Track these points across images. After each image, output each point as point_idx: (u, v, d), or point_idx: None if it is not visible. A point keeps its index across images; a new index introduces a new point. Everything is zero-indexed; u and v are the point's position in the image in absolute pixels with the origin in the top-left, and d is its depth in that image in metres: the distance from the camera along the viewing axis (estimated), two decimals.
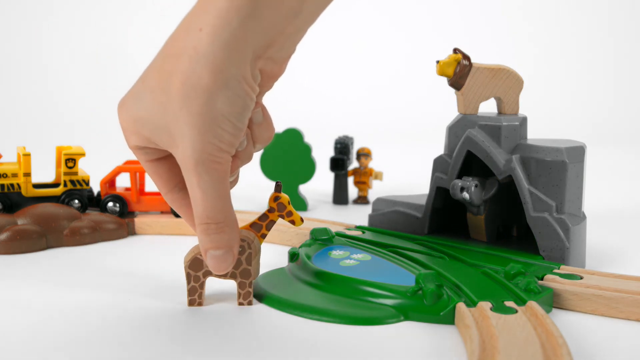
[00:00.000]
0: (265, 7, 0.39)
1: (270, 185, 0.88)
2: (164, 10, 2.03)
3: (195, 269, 0.49)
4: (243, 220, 0.71)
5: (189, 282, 0.49)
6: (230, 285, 0.53)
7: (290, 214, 0.50)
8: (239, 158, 0.46)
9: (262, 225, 0.50)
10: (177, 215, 0.73)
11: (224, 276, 0.49)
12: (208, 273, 0.49)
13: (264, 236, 0.50)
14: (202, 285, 0.50)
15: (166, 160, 0.46)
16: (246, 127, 0.43)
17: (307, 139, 0.85)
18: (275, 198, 0.50)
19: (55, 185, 0.73)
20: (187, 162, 0.41)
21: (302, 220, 0.51)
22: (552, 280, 0.52)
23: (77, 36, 1.97)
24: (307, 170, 0.84)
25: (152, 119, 0.41)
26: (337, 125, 1.58)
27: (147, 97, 0.41)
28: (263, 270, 0.56)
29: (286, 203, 0.50)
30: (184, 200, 0.47)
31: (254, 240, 0.50)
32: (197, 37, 0.39)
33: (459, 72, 0.62)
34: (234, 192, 0.97)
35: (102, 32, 1.98)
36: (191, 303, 0.50)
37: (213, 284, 0.53)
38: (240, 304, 0.50)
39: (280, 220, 0.72)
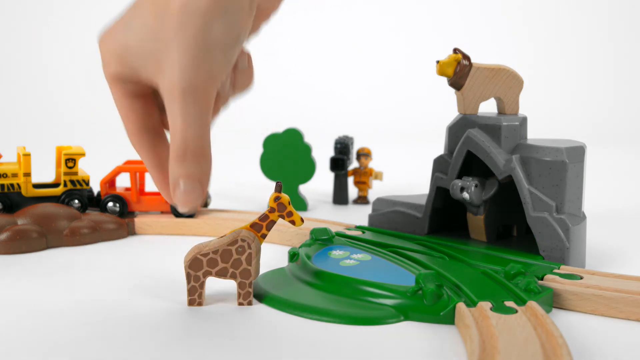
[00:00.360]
0: None
1: (270, 185, 0.88)
2: None
3: (196, 268, 0.49)
4: (243, 221, 0.71)
5: (189, 282, 0.49)
6: (230, 285, 0.53)
7: (290, 214, 0.50)
8: (219, 99, 0.44)
9: (262, 225, 0.50)
10: (177, 215, 0.73)
11: (224, 276, 0.49)
12: (208, 273, 0.49)
13: (264, 236, 0.50)
14: (202, 285, 0.50)
15: (142, 99, 0.44)
16: (233, 64, 0.42)
17: (307, 139, 0.85)
18: (275, 198, 0.50)
19: (55, 185, 0.73)
20: (173, 90, 0.39)
21: (302, 220, 0.51)
22: (552, 280, 0.52)
23: (77, 36, 1.97)
24: (307, 170, 0.84)
25: (140, 46, 0.40)
26: (337, 125, 1.58)
27: (137, 24, 0.40)
28: (263, 270, 0.56)
29: (287, 203, 0.50)
30: (152, 144, 0.45)
31: (254, 240, 0.50)
32: None
33: (459, 72, 0.62)
34: (234, 192, 0.97)
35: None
36: (191, 303, 0.50)
37: (213, 284, 0.53)
38: (240, 304, 0.50)
39: (280, 220, 0.72)
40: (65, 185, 0.72)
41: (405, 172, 1.14)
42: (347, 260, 0.57)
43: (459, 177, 0.63)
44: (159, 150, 0.44)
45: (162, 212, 0.75)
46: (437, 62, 0.62)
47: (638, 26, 2.05)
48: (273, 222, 0.50)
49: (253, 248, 0.49)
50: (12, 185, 0.70)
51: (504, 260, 0.57)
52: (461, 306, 0.46)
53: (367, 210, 0.85)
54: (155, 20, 0.39)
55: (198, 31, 0.39)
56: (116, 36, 0.41)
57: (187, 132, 0.40)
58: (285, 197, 0.50)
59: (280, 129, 0.85)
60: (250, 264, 0.49)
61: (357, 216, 0.82)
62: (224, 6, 0.39)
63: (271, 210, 0.50)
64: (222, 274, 0.49)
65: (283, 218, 0.50)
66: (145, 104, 0.44)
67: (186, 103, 0.39)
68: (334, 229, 0.68)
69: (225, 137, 1.65)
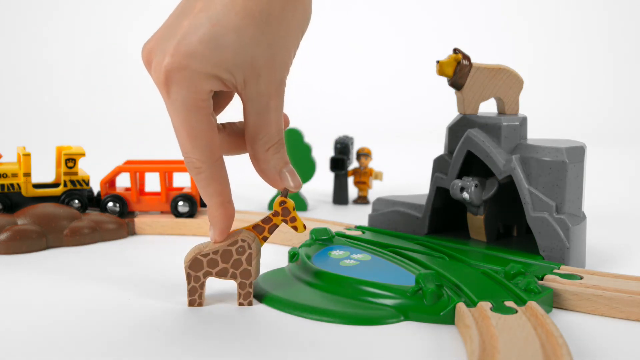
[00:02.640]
0: None
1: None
2: (164, 10, 2.03)
3: (196, 269, 0.49)
4: (245, 221, 0.71)
5: (189, 282, 0.49)
6: (231, 285, 0.53)
7: (294, 219, 0.50)
8: None
9: (264, 227, 0.50)
10: (177, 215, 0.73)
11: (224, 276, 0.49)
12: (208, 273, 0.49)
13: (265, 239, 0.50)
14: (202, 286, 0.50)
15: (217, 111, 0.49)
16: None
17: (307, 139, 0.85)
18: (281, 202, 0.50)
19: (55, 185, 0.73)
20: (270, 87, 0.45)
21: (304, 227, 0.51)
22: (552, 280, 0.52)
23: (78, 36, 1.97)
24: (307, 170, 0.84)
25: (236, 57, 0.43)
26: (337, 125, 1.58)
27: (231, 37, 0.43)
28: (263, 270, 0.56)
29: (291, 209, 0.50)
30: (229, 139, 0.48)
31: (255, 240, 0.50)
32: None
33: (459, 72, 0.62)
34: (234, 192, 0.97)
35: (103, 32, 1.99)
36: (191, 303, 0.50)
37: (213, 285, 0.53)
38: (241, 304, 0.50)
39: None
40: (65, 185, 0.72)
41: (405, 172, 1.14)
42: (347, 260, 0.57)
43: (459, 177, 0.63)
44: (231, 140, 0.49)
45: (162, 212, 0.75)
46: (437, 62, 0.62)
47: (638, 26, 2.05)
48: (276, 226, 0.50)
49: (253, 248, 0.49)
50: (12, 185, 0.70)
51: (504, 260, 0.57)
52: (461, 306, 0.46)
53: (367, 210, 0.85)
54: (256, 29, 0.43)
55: (296, 43, 0.46)
56: (209, 54, 0.43)
57: (279, 122, 0.47)
58: (290, 202, 0.50)
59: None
60: (250, 264, 0.49)
61: (357, 216, 0.82)
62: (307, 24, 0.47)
63: (275, 213, 0.50)
64: (222, 274, 0.49)
65: (286, 223, 0.50)
66: (213, 116, 0.46)
67: (280, 97, 0.46)
68: (334, 229, 0.68)
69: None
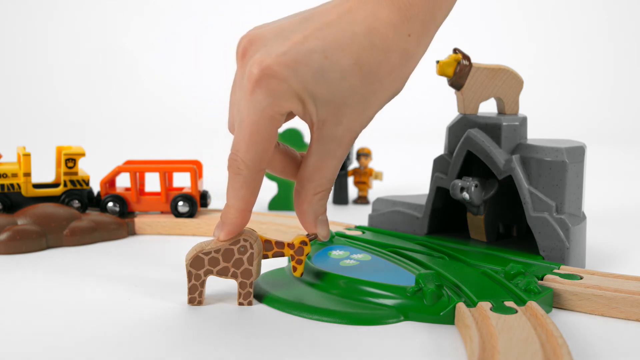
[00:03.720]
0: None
1: (271, 185, 0.88)
2: (165, 11, 2.03)
3: (197, 267, 0.49)
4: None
5: (189, 280, 0.50)
6: (231, 284, 0.53)
7: (299, 262, 0.52)
8: None
9: (273, 248, 0.51)
10: (177, 215, 0.73)
11: (225, 275, 0.49)
12: (209, 272, 0.49)
13: (265, 257, 0.51)
14: (202, 284, 0.50)
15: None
16: None
17: (307, 139, 0.85)
18: (302, 242, 0.51)
19: (55, 185, 0.73)
20: (345, 136, 0.46)
21: (302, 275, 0.52)
22: (552, 281, 0.52)
23: (78, 36, 1.97)
24: None
25: (330, 94, 0.44)
26: None
27: (335, 76, 0.44)
28: (263, 270, 0.56)
29: (305, 254, 0.51)
30: (280, 157, 0.50)
31: (257, 241, 0.50)
32: (406, 40, 0.46)
33: (459, 72, 0.62)
34: None
35: (103, 32, 1.99)
36: (191, 301, 0.50)
37: (213, 284, 0.53)
38: (240, 303, 0.50)
39: (280, 220, 0.73)
40: (65, 185, 0.72)
41: (405, 172, 1.14)
42: (347, 260, 0.57)
43: (459, 177, 0.63)
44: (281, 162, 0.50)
45: (162, 212, 0.75)
46: (437, 62, 0.63)
47: (638, 26, 2.05)
48: (283, 254, 0.51)
49: (255, 248, 0.49)
50: (12, 185, 0.70)
51: (503, 260, 0.57)
52: (461, 306, 0.46)
53: (367, 210, 0.85)
54: (359, 79, 0.45)
55: (389, 99, 0.47)
56: (309, 80, 0.44)
57: (336, 174, 0.48)
58: (309, 248, 0.51)
59: (280, 129, 0.84)
60: (251, 264, 0.49)
61: (357, 216, 0.82)
62: (404, 83, 0.48)
63: (290, 246, 0.51)
64: (223, 273, 0.49)
65: (292, 259, 0.52)
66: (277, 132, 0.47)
67: (347, 150, 0.47)
68: (334, 229, 0.68)
69: (226, 137, 1.65)
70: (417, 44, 0.47)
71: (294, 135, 0.83)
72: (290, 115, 0.49)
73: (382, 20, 0.45)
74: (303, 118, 0.46)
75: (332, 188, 0.89)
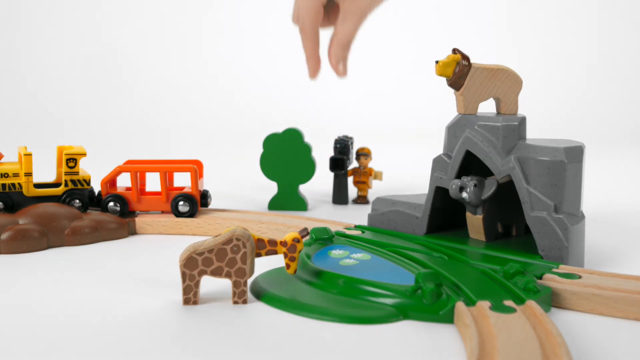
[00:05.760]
0: None
1: (270, 185, 0.88)
2: (165, 11, 2.03)
3: (191, 267, 0.49)
4: (243, 220, 0.71)
5: (184, 281, 0.50)
6: (225, 284, 0.53)
7: (292, 259, 0.52)
8: None
9: (266, 246, 0.51)
10: (177, 215, 0.73)
11: (219, 275, 0.50)
12: (203, 272, 0.50)
13: (259, 255, 0.51)
14: (197, 284, 0.50)
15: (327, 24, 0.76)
16: None
17: (307, 139, 0.85)
18: (295, 239, 0.52)
19: (56, 185, 0.74)
20: (358, 9, 0.71)
21: (295, 272, 0.53)
22: (550, 280, 0.52)
23: (79, 36, 1.97)
24: (307, 170, 0.84)
25: None
26: (337, 125, 1.58)
27: None
28: (263, 269, 0.56)
29: (298, 251, 0.52)
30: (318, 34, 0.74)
31: (249, 239, 0.50)
32: None
33: (458, 72, 0.62)
34: (234, 192, 0.97)
35: (103, 32, 1.99)
36: (186, 302, 0.50)
37: (208, 283, 0.53)
38: (235, 302, 0.50)
39: (280, 219, 0.73)
40: (66, 185, 0.72)
41: (405, 172, 1.14)
42: (346, 260, 0.57)
43: (458, 176, 0.63)
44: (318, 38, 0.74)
45: (163, 212, 0.75)
46: (437, 62, 0.63)
47: (638, 26, 2.05)
48: (275, 253, 0.52)
49: (248, 247, 0.50)
50: (13, 185, 0.70)
51: (503, 259, 0.58)
52: (460, 305, 0.47)
53: (366, 210, 0.85)
54: None
55: None
56: None
57: (353, 33, 0.72)
58: (301, 246, 0.52)
59: (280, 129, 0.85)
60: (245, 263, 0.50)
61: (357, 216, 0.82)
62: None
63: (283, 243, 0.51)
64: (217, 272, 0.50)
65: (285, 256, 0.52)
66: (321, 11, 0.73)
67: (361, 18, 0.71)
68: (333, 228, 0.68)
69: (226, 136, 1.66)
70: None
71: (293, 135, 0.84)
72: (332, 14, 0.74)
73: None
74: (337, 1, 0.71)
75: (332, 187, 0.90)
